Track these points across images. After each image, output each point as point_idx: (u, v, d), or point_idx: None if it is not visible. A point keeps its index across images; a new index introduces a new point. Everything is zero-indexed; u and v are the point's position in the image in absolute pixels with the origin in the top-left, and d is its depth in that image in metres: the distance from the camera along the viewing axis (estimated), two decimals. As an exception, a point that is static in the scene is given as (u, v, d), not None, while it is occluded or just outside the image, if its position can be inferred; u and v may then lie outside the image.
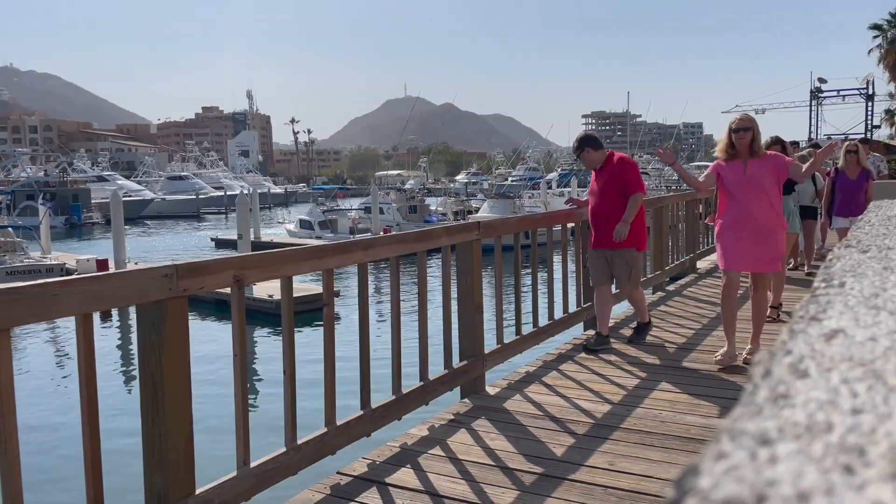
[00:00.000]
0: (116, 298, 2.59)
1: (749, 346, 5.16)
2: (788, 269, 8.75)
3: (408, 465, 3.49)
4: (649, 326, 5.95)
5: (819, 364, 0.46)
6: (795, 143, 11.22)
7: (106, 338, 15.02)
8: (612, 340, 5.86)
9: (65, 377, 12.09)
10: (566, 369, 5.12)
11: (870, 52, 39.06)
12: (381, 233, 21.85)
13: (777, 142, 6.57)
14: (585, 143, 5.66)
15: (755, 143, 4.96)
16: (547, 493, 3.15)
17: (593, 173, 5.72)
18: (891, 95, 41.27)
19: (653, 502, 3.04)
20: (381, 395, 3.90)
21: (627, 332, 6.10)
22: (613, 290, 5.93)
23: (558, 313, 5.90)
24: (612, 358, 5.40)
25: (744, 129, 4.98)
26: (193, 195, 58.42)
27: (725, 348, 5.11)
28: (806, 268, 8.98)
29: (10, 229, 23.09)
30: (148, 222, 48.26)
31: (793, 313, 0.57)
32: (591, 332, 5.92)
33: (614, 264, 5.57)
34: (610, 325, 6.57)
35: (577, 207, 6.05)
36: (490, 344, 4.89)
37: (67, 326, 13.92)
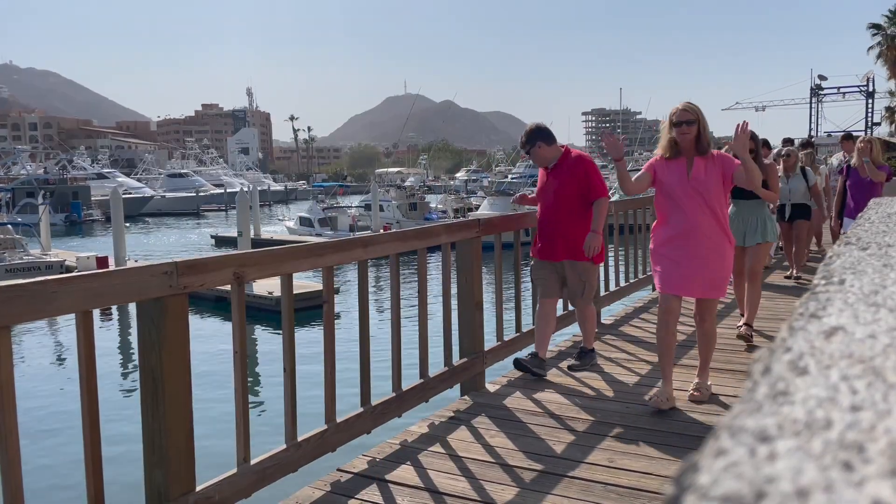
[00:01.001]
0: (116, 296, 2.59)
1: (696, 381, 4.36)
2: (782, 278, 8.35)
3: (408, 463, 3.49)
4: (594, 354, 5.15)
5: (818, 361, 0.46)
6: (766, 143, 10.83)
7: (106, 335, 15.03)
8: (596, 349, 5.85)
9: (65, 374, 12.09)
10: (566, 366, 5.12)
11: (869, 49, 39.04)
12: (381, 230, 21.89)
13: (750, 138, 5.99)
14: (537, 136, 4.85)
15: (701, 140, 4.05)
16: (547, 491, 3.15)
17: (542, 171, 4.99)
18: (891, 93, 41.25)
19: (652, 499, 3.05)
20: (381, 393, 3.91)
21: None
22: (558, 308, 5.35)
23: (558, 311, 5.89)
24: (612, 355, 5.40)
25: (687, 122, 4.02)
26: (193, 192, 58.40)
27: (660, 386, 4.21)
28: (794, 271, 8.47)
29: (9, 226, 23.08)
30: (148, 220, 48.25)
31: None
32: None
33: (566, 278, 4.89)
34: (609, 321, 6.58)
35: (523, 206, 5.31)
36: (490, 341, 4.89)
37: (68, 324, 13.93)
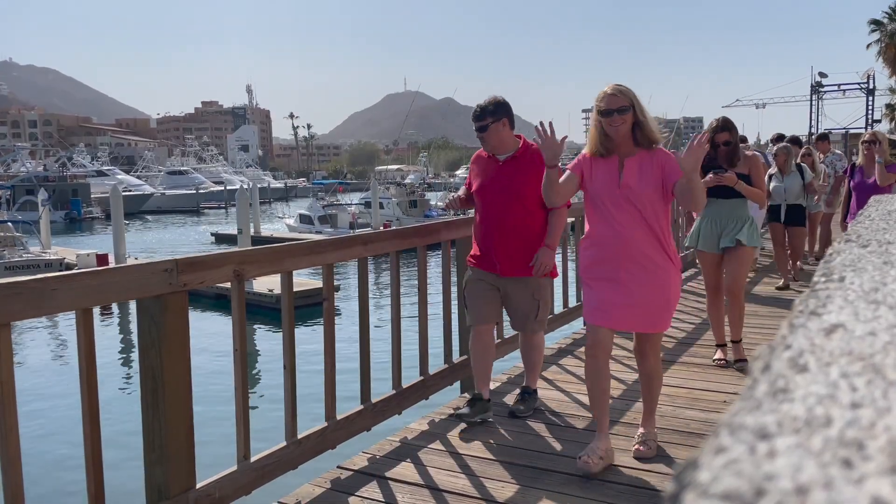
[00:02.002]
0: (116, 293, 2.59)
1: (641, 431, 3.56)
2: (777, 287, 7.61)
3: (408, 460, 3.49)
4: (537, 397, 4.20)
5: (818, 358, 0.46)
6: (796, 141, 9.91)
7: (106, 333, 15.03)
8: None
9: (65, 372, 12.10)
10: (566, 364, 5.12)
11: (868, 46, 39.03)
12: (381, 228, 21.91)
13: (725, 127, 4.83)
14: (504, 111, 3.86)
15: (638, 132, 3.23)
16: (546, 488, 3.16)
17: (484, 162, 3.96)
18: (891, 90, 41.24)
19: (652, 496, 3.05)
20: (381, 390, 3.91)
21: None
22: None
23: (558, 308, 5.89)
24: (612, 353, 5.39)
25: (619, 111, 3.18)
26: (193, 190, 58.40)
27: (596, 441, 3.40)
28: (792, 274, 7.82)
29: (9, 224, 23.08)
30: (148, 217, 48.24)
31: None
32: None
33: (513, 297, 3.94)
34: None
35: (460, 209, 4.20)
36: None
37: (68, 322, 13.94)
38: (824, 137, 10.33)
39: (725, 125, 4.85)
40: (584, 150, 3.39)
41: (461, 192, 4.15)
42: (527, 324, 3.99)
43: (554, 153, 3.22)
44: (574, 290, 6.13)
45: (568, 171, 3.38)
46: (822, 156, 9.48)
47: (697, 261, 5.12)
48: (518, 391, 4.22)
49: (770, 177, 7.63)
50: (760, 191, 4.81)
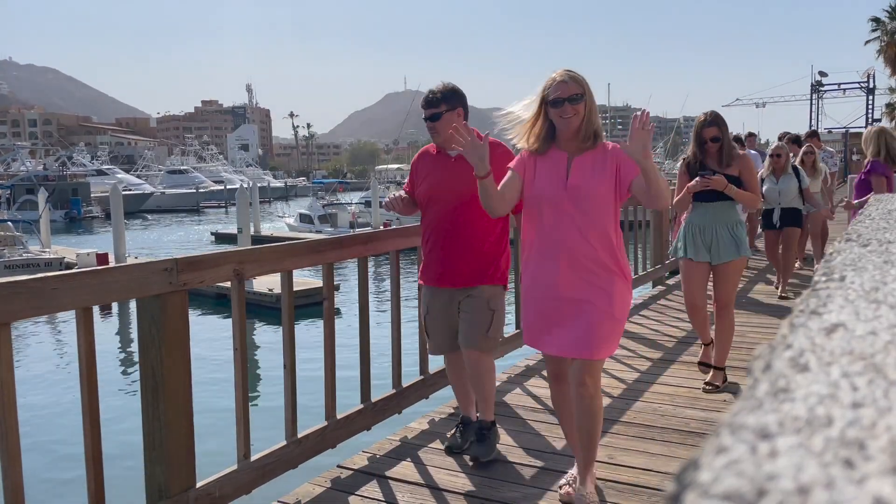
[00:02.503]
0: (116, 292, 2.59)
1: (573, 477, 3.06)
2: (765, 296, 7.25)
3: (408, 459, 3.49)
4: (496, 430, 3.53)
5: (819, 358, 0.46)
6: (739, 140, 9.41)
7: (106, 332, 15.04)
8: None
9: (65, 371, 12.10)
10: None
11: (867, 43, 39.00)
12: (382, 227, 21.89)
13: (714, 121, 4.38)
14: (459, 99, 3.41)
15: (588, 124, 2.80)
16: (546, 487, 3.16)
17: (432, 158, 3.51)
18: (891, 90, 41.23)
19: (652, 496, 3.05)
20: (381, 389, 3.91)
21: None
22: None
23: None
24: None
25: (571, 100, 2.75)
26: (193, 189, 58.42)
27: (574, 468, 3.09)
28: (780, 289, 7.35)
29: (9, 223, 23.08)
30: (148, 216, 48.26)
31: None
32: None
33: (465, 307, 3.42)
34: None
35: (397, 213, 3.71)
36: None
37: (68, 321, 13.95)
38: (813, 135, 9.87)
39: (714, 120, 4.35)
40: (521, 146, 2.92)
41: (403, 193, 3.67)
42: (477, 339, 3.37)
43: (481, 159, 2.73)
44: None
45: (510, 171, 2.91)
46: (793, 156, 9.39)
47: (680, 271, 4.61)
48: (470, 428, 3.56)
49: (762, 179, 7.13)
50: (754, 194, 4.32)
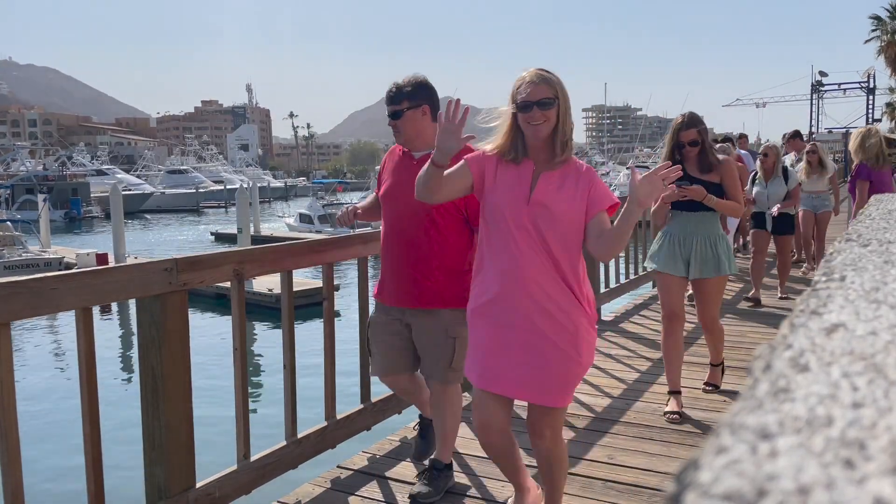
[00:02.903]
0: (116, 292, 2.59)
1: None
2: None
3: (408, 459, 3.49)
4: (451, 473, 3.14)
5: (819, 358, 0.46)
6: (731, 141, 9.10)
7: (106, 332, 15.04)
8: (607, 333, 5.84)
9: (65, 371, 12.10)
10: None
11: (867, 42, 39.01)
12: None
13: (692, 123, 3.99)
14: (425, 95, 3.03)
15: (558, 136, 2.46)
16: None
17: (396, 160, 3.13)
18: (891, 89, 41.24)
19: (652, 496, 3.05)
20: (381, 390, 3.91)
21: (612, 338, 5.60)
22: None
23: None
24: (612, 352, 5.40)
25: (541, 104, 2.40)
26: (193, 189, 58.42)
27: (515, 499, 2.81)
28: (779, 291, 7.17)
29: (8, 223, 23.08)
30: (147, 216, 48.25)
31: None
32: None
33: (422, 334, 3.04)
34: (609, 318, 6.56)
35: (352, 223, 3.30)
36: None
37: (67, 321, 13.94)
38: (797, 136, 9.58)
39: (692, 121, 3.96)
40: (488, 146, 2.55)
41: (367, 199, 3.37)
42: (442, 372, 3.01)
43: (448, 148, 2.37)
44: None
45: (460, 164, 2.52)
46: (795, 155, 9.09)
47: (655, 284, 4.30)
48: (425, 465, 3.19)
49: (753, 181, 7.03)
50: (736, 203, 3.96)
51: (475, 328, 2.55)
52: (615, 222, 2.45)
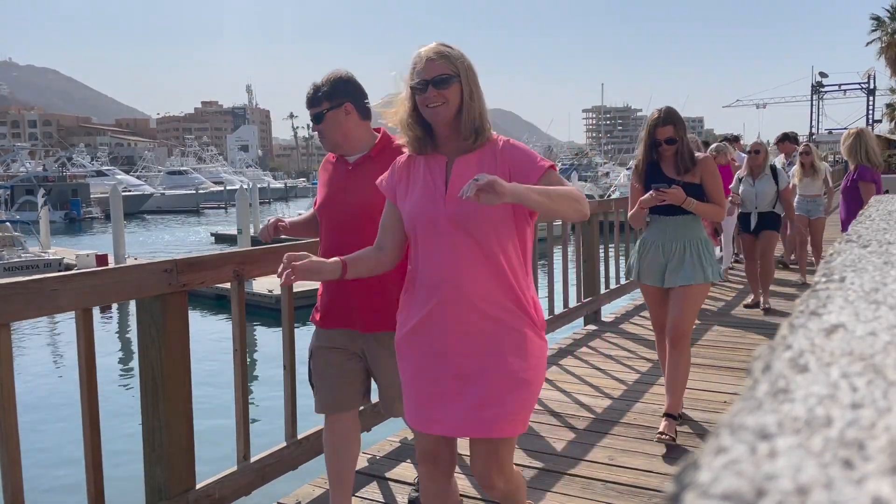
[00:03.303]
0: (116, 293, 2.59)
1: None
2: (742, 307, 6.69)
3: (408, 460, 3.49)
4: None
5: (819, 359, 0.46)
6: (735, 138, 9.15)
7: (106, 333, 15.04)
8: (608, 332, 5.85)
9: (65, 372, 12.10)
10: (566, 364, 5.12)
11: (868, 44, 39.02)
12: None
13: (668, 119, 3.66)
14: (346, 92, 2.67)
15: (467, 115, 2.11)
16: (547, 488, 3.16)
17: (328, 170, 2.79)
18: (891, 90, 41.24)
19: (652, 497, 3.05)
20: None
21: (618, 331, 5.71)
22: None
23: (559, 308, 5.90)
24: (612, 353, 5.40)
25: (436, 83, 2.08)
26: (193, 190, 58.41)
27: None
28: (762, 301, 6.71)
29: (8, 224, 23.08)
30: (147, 217, 48.25)
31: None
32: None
33: (380, 364, 2.66)
34: (609, 318, 6.56)
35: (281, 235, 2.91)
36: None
37: (67, 322, 13.94)
38: (786, 138, 9.33)
39: (669, 117, 3.63)
40: (404, 145, 2.22)
41: (305, 214, 2.99)
42: (397, 406, 2.67)
43: (320, 273, 2.12)
44: (574, 291, 6.13)
45: (386, 204, 2.26)
46: (785, 158, 8.91)
47: (643, 295, 3.98)
48: None
49: (739, 180, 6.73)
50: (718, 206, 3.63)
51: (404, 361, 2.20)
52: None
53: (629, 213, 3.86)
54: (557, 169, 2.18)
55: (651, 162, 3.71)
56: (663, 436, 3.58)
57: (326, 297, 2.72)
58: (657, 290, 3.79)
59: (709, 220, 3.76)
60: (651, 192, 3.56)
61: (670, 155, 3.66)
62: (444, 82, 2.08)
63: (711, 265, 3.66)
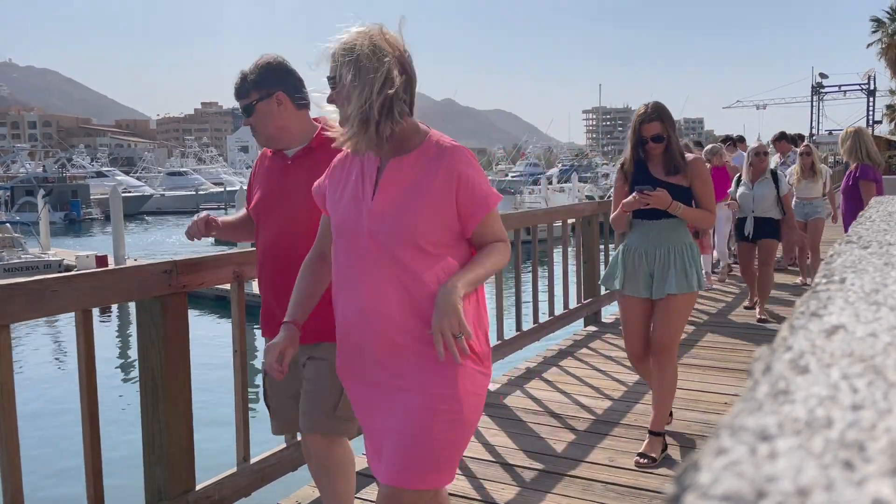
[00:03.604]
0: (116, 294, 2.59)
1: None
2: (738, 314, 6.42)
3: (408, 461, 3.49)
4: None
5: (819, 360, 0.46)
6: (739, 139, 9.18)
7: (106, 334, 15.03)
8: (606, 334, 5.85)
9: (65, 373, 12.10)
10: (567, 365, 5.12)
11: (868, 45, 39.04)
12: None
13: (656, 115, 3.38)
14: (277, 80, 2.39)
15: (388, 120, 1.80)
16: (547, 490, 3.16)
17: (263, 166, 2.53)
18: (891, 91, 41.28)
19: (652, 498, 3.05)
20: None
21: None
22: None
23: (559, 309, 5.90)
24: (613, 354, 5.40)
25: (332, 78, 1.87)
26: (193, 191, 58.40)
27: None
28: (758, 310, 6.38)
29: (8, 225, 23.08)
30: (147, 218, 48.25)
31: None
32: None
33: (307, 374, 2.40)
34: (610, 319, 6.56)
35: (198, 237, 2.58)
36: (490, 340, 4.87)
37: (67, 323, 13.94)
38: (782, 137, 9.07)
39: (656, 113, 3.36)
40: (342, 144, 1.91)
41: (238, 214, 2.72)
42: (322, 420, 2.36)
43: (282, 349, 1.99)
44: (574, 291, 6.13)
45: (318, 184, 2.06)
46: (780, 157, 8.77)
47: (619, 308, 3.65)
48: None
49: (738, 182, 6.44)
50: (708, 211, 3.37)
51: (348, 390, 2.03)
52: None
53: (611, 216, 3.55)
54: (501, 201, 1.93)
55: (638, 161, 3.43)
56: (642, 459, 3.37)
57: (269, 308, 2.44)
58: (641, 303, 3.46)
59: (696, 226, 3.50)
60: (634, 194, 3.32)
61: (658, 154, 3.38)
62: (331, 83, 1.85)
63: (697, 272, 3.38)
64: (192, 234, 2.57)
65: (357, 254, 1.85)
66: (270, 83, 2.38)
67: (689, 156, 3.42)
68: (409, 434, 1.81)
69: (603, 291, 6.33)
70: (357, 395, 1.97)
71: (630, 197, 3.33)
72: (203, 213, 2.60)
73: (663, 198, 3.26)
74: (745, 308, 6.76)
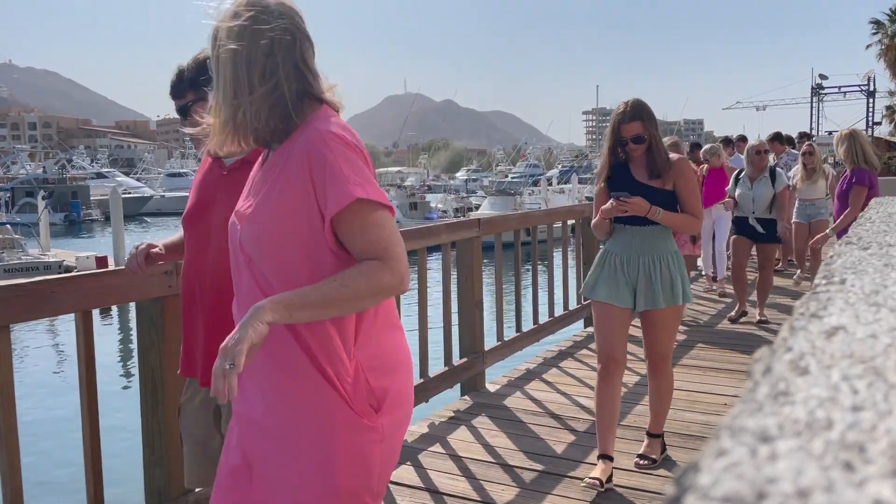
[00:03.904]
0: (116, 295, 2.59)
1: None
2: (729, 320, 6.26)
3: (408, 463, 3.49)
4: None
5: (819, 361, 0.46)
6: (741, 139, 9.09)
7: (106, 335, 15.03)
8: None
9: (64, 374, 12.10)
10: (566, 366, 5.12)
11: (868, 46, 39.06)
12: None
13: (636, 114, 3.13)
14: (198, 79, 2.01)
15: (219, 117, 1.54)
16: (547, 491, 3.16)
17: (200, 176, 2.23)
18: (891, 93, 41.30)
19: (652, 499, 3.05)
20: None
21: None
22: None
23: (559, 310, 5.90)
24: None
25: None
26: (193, 192, 58.39)
27: None
28: (757, 314, 6.29)
29: (8, 226, 23.08)
30: (147, 219, 48.27)
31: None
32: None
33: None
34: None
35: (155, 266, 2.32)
36: (490, 341, 4.89)
37: (67, 324, 13.94)
38: (777, 138, 8.98)
39: (636, 111, 3.12)
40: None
41: (174, 236, 2.31)
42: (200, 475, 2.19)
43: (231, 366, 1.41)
44: (574, 292, 6.13)
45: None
46: (774, 157, 8.55)
47: (593, 315, 3.36)
48: None
49: (737, 181, 6.27)
50: (693, 217, 3.15)
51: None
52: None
53: (592, 222, 3.32)
54: (390, 203, 1.53)
55: (617, 164, 3.20)
56: (642, 460, 3.36)
57: (190, 342, 2.13)
58: (616, 312, 3.18)
59: (681, 232, 3.32)
60: (611, 200, 3.12)
61: (640, 155, 3.15)
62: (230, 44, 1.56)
63: (684, 284, 3.19)
64: (131, 269, 2.18)
65: (238, 271, 1.60)
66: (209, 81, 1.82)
67: (673, 156, 3.19)
68: (273, 484, 1.57)
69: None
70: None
71: (608, 203, 3.14)
72: (143, 245, 2.21)
73: (641, 204, 3.05)
74: (729, 320, 6.32)
